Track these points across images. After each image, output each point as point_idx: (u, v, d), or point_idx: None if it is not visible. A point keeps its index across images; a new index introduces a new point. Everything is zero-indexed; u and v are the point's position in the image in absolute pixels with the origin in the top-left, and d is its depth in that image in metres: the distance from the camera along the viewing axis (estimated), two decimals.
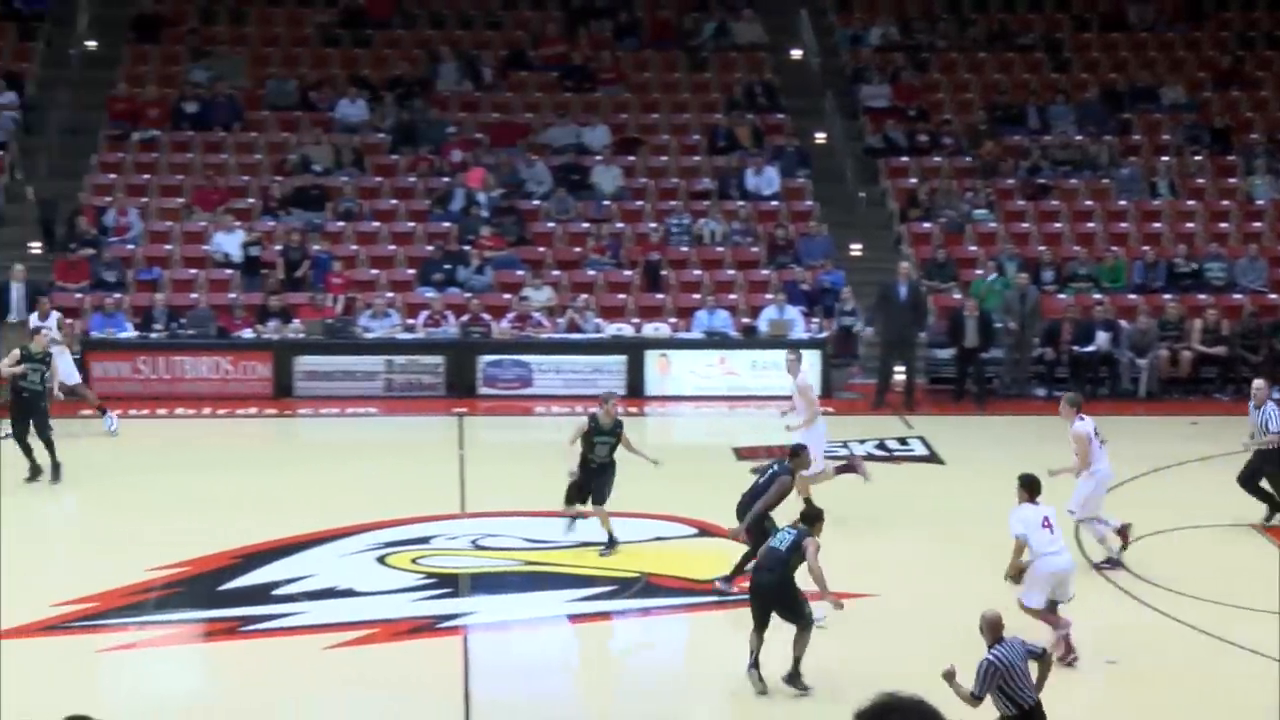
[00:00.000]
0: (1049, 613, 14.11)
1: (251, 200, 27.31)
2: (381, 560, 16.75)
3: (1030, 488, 14.27)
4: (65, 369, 21.40)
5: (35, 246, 26.32)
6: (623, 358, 24.46)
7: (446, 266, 26.06)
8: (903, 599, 15.74)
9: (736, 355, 24.67)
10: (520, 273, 26.16)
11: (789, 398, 18.84)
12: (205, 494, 19.04)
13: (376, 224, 27.16)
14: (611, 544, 16.77)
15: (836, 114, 29.88)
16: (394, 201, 27.68)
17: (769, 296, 25.71)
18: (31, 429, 19.18)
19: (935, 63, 31.22)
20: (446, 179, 27.80)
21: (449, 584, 16.23)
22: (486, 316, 25.06)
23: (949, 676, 11.01)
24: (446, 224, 27.04)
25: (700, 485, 18.00)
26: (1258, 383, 18.56)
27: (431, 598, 15.89)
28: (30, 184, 27.34)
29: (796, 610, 13.40)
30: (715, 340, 24.89)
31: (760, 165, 28.35)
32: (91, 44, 30.10)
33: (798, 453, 16.14)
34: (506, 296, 25.62)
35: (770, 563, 13.49)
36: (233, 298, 25.26)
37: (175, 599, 15.79)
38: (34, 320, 22.01)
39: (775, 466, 16.02)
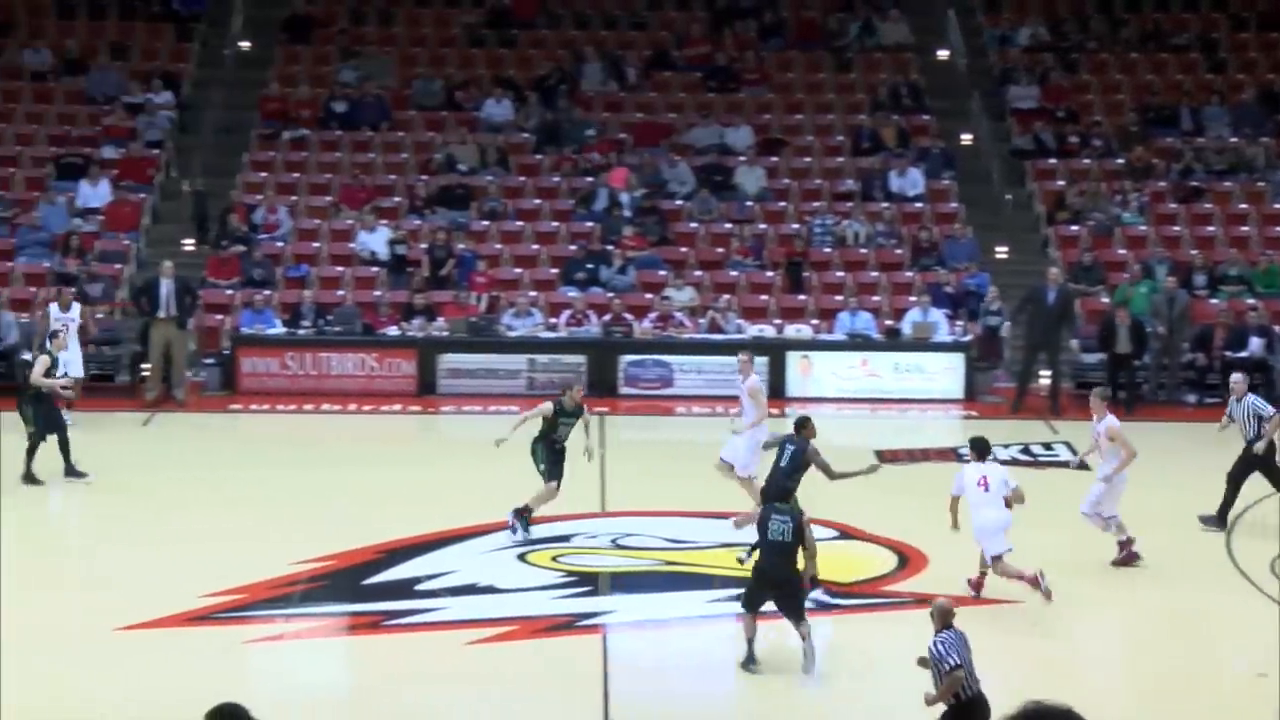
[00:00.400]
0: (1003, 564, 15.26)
1: (398, 199, 27.60)
2: (522, 558, 16.83)
3: (978, 448, 15.59)
4: (73, 359, 21.58)
5: (188, 243, 26.82)
6: (764, 359, 24.36)
7: (589, 266, 26.16)
8: (1043, 605, 15.50)
9: (879, 358, 24.49)
10: (662, 273, 26.19)
11: (736, 398, 18.59)
12: (350, 489, 19.27)
13: (520, 223, 27.33)
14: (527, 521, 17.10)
15: (983, 115, 29.56)
16: (538, 201, 27.83)
17: (912, 299, 25.50)
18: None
19: (1085, 63, 30.76)
20: (590, 179, 27.91)
21: (589, 582, 16.27)
22: (628, 316, 25.12)
23: (924, 663, 11.16)
24: (589, 224, 27.14)
25: (842, 488, 17.87)
26: (1236, 376, 18.64)
27: (571, 596, 15.94)
28: (185, 182, 27.86)
29: (798, 598, 13.92)
30: (858, 342, 24.73)
31: (905, 166, 28.13)
32: (245, 44, 30.61)
33: (804, 423, 16.59)
34: (648, 296, 25.66)
35: (776, 556, 13.82)
36: (378, 295, 25.55)
37: (320, 592, 15.98)
38: (55, 312, 22.44)
39: (791, 447, 16.38)
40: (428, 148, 28.50)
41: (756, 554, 14.07)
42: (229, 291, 25.45)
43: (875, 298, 25.97)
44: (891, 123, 29.10)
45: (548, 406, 17.41)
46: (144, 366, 23.62)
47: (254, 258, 25.78)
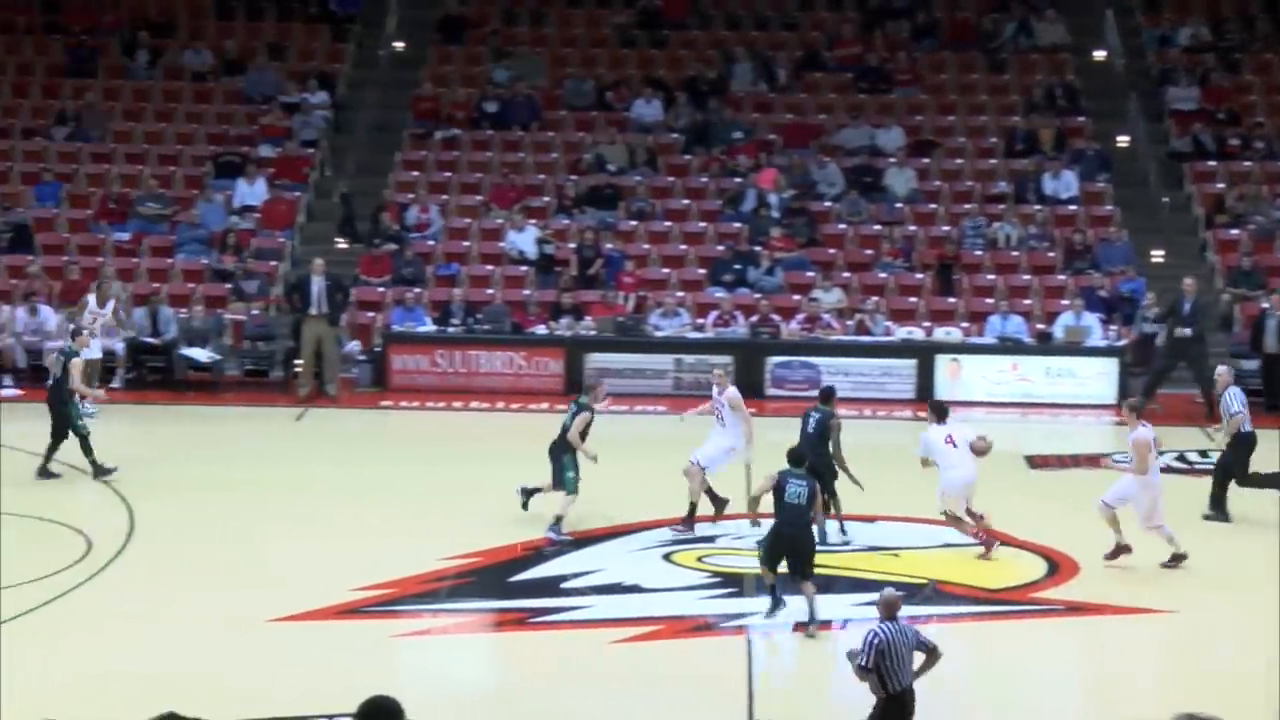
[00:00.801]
0: (964, 519, 16.40)
1: (547, 198, 27.76)
2: (668, 558, 16.82)
3: (937, 410, 16.83)
4: (93, 349, 21.93)
5: (341, 242, 27.18)
6: (912, 361, 24.18)
7: (737, 267, 26.11)
8: (1200, 613, 15.18)
9: (1030, 362, 24.17)
10: (810, 274, 26.06)
11: (711, 409, 18.45)
12: (497, 486, 19.37)
13: (668, 223, 27.35)
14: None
15: (1140, 117, 29.05)
16: (686, 201, 27.83)
17: (1065, 303, 25.12)
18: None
19: (1248, 64, 30.11)
20: (738, 179, 27.85)
21: (734, 584, 16.22)
22: (775, 317, 25.03)
23: (852, 655, 11.29)
24: (737, 224, 27.09)
25: (991, 493, 17.63)
26: (1220, 368, 19.09)
27: (716, 597, 15.90)
28: (339, 181, 28.24)
29: (810, 562, 14.90)
30: (1008, 346, 24.41)
31: (1058, 168, 27.72)
32: (399, 45, 30.96)
33: (830, 394, 17.69)
34: (796, 298, 25.55)
35: (794, 518, 14.77)
36: (527, 294, 25.71)
37: (467, 588, 16.10)
38: (91, 304, 23.01)
39: (816, 415, 17.31)
40: (577, 148, 28.62)
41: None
42: (381, 289, 25.75)
43: (1027, 301, 25.63)
44: (1049, 124, 28.69)
45: (587, 416, 17.46)
46: (296, 362, 23.98)
47: (405, 256, 26.05)
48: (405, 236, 26.59)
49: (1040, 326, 24.92)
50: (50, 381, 19.51)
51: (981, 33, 30.94)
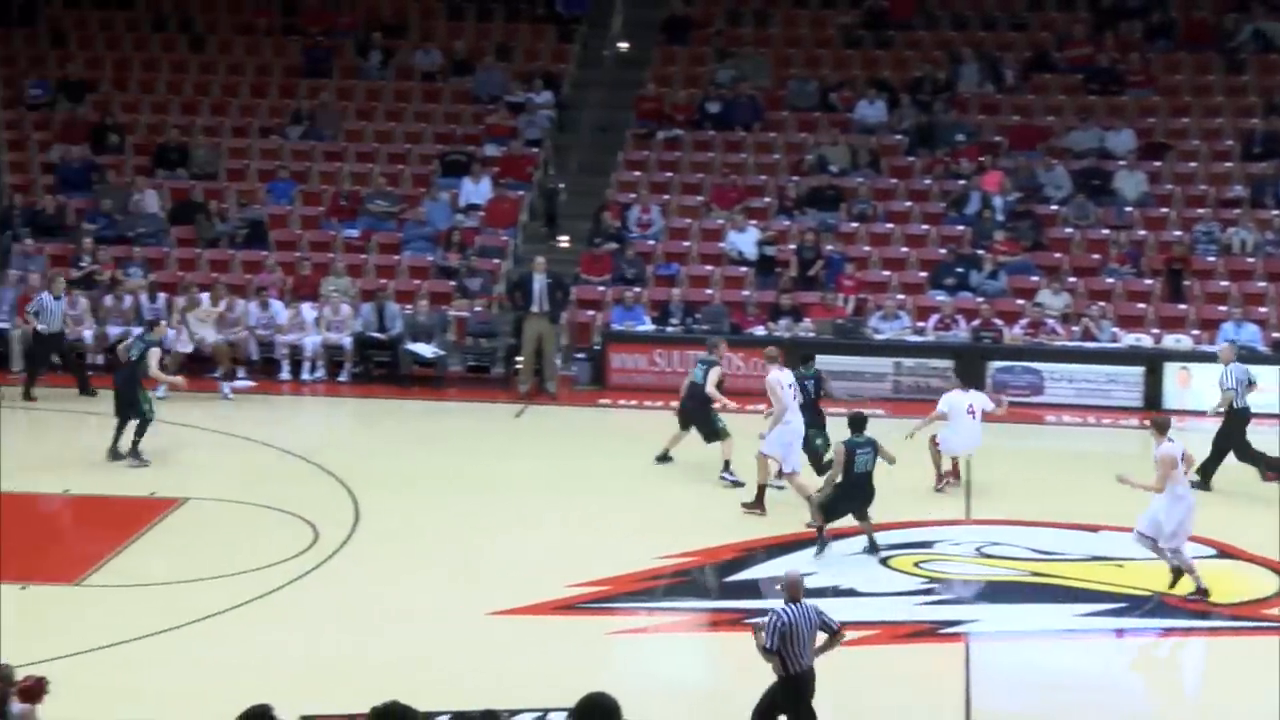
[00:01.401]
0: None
1: (768, 199, 27.69)
2: (884, 562, 16.66)
3: (961, 375, 19.84)
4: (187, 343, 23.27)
5: (563, 240, 27.44)
6: (1140, 369, 23.60)
7: (959, 270, 25.76)
8: None
9: (1265, 371, 23.39)
10: (1034, 278, 25.60)
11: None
12: (715, 486, 19.38)
13: (890, 225, 27.10)
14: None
15: None
16: (908, 203, 27.55)
17: None
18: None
19: None
20: (962, 181, 27.49)
21: (952, 590, 16.00)
22: (998, 322, 24.64)
23: (757, 629, 11.44)
24: (960, 227, 26.73)
25: (1222, 505, 17.18)
26: (1223, 344, 20.53)
27: (934, 603, 15.70)
28: (562, 180, 28.53)
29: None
30: (1242, 355, 23.66)
31: None
32: (624, 46, 31.15)
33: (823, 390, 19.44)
34: (1020, 302, 25.12)
35: (862, 482, 16.65)
36: (746, 295, 25.68)
37: (683, 588, 16.13)
38: (205, 301, 23.93)
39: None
40: (799, 148, 28.51)
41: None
42: (601, 288, 25.94)
43: (1262, 309, 24.86)
44: None
45: (719, 371, 19.63)
46: (517, 360, 24.28)
47: (626, 255, 26.21)
48: (626, 236, 26.74)
49: (1276, 335, 24.15)
50: (123, 365, 20.12)
51: (1219, 33, 30.09)
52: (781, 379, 18.32)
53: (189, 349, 23.80)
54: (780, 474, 18.33)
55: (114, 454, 19.70)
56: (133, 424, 19.67)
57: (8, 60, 30.28)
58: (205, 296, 24.28)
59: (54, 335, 23.45)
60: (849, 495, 16.60)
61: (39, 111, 29.27)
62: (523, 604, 15.29)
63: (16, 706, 10.40)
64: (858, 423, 16.77)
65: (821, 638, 11.53)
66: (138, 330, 24.41)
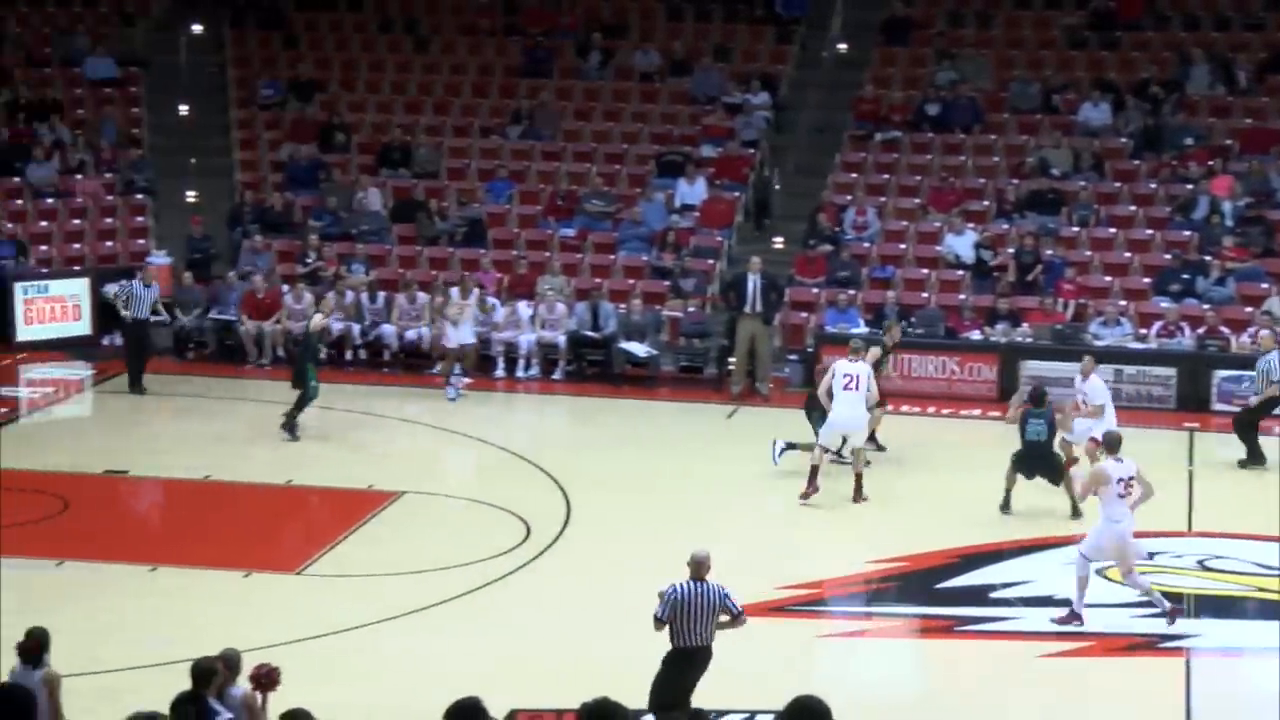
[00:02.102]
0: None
1: (986, 202, 27.29)
2: (1101, 572, 16.28)
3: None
4: (463, 333, 23.53)
5: (778, 241, 27.35)
6: None
7: (1185, 276, 25.11)
8: None
9: None
10: (1265, 285, 24.84)
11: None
12: (928, 490, 19.18)
13: (1112, 230, 26.51)
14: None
15: None
16: (1132, 208, 26.93)
17: None
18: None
19: None
20: (1190, 185, 26.78)
21: (1173, 603, 15.58)
22: (1225, 330, 23.96)
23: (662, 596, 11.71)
24: (1187, 232, 26.04)
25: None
26: (1264, 331, 21.03)
27: (1153, 615, 15.30)
28: (777, 182, 28.45)
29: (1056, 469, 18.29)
30: None
31: None
32: (842, 46, 30.96)
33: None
34: (1248, 310, 24.39)
35: (1035, 450, 18.09)
36: (962, 299, 25.34)
37: (893, 593, 15.97)
38: (455, 295, 23.86)
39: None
40: (1020, 151, 28.05)
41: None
42: (815, 290, 25.80)
43: None
44: None
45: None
46: (730, 360, 24.27)
47: (841, 257, 26.04)
48: (841, 238, 26.57)
49: None
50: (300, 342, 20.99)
51: None
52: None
53: (467, 342, 23.87)
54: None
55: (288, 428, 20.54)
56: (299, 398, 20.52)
57: (242, 61, 31.14)
58: (455, 291, 24.40)
59: (140, 323, 23.25)
60: (1024, 460, 18.16)
61: (270, 111, 30.05)
62: None
63: (237, 690, 10.65)
64: (1038, 397, 18.33)
65: (725, 619, 11.84)
66: (357, 326, 24.98)
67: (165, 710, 10.16)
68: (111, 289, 24.09)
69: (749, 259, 24.70)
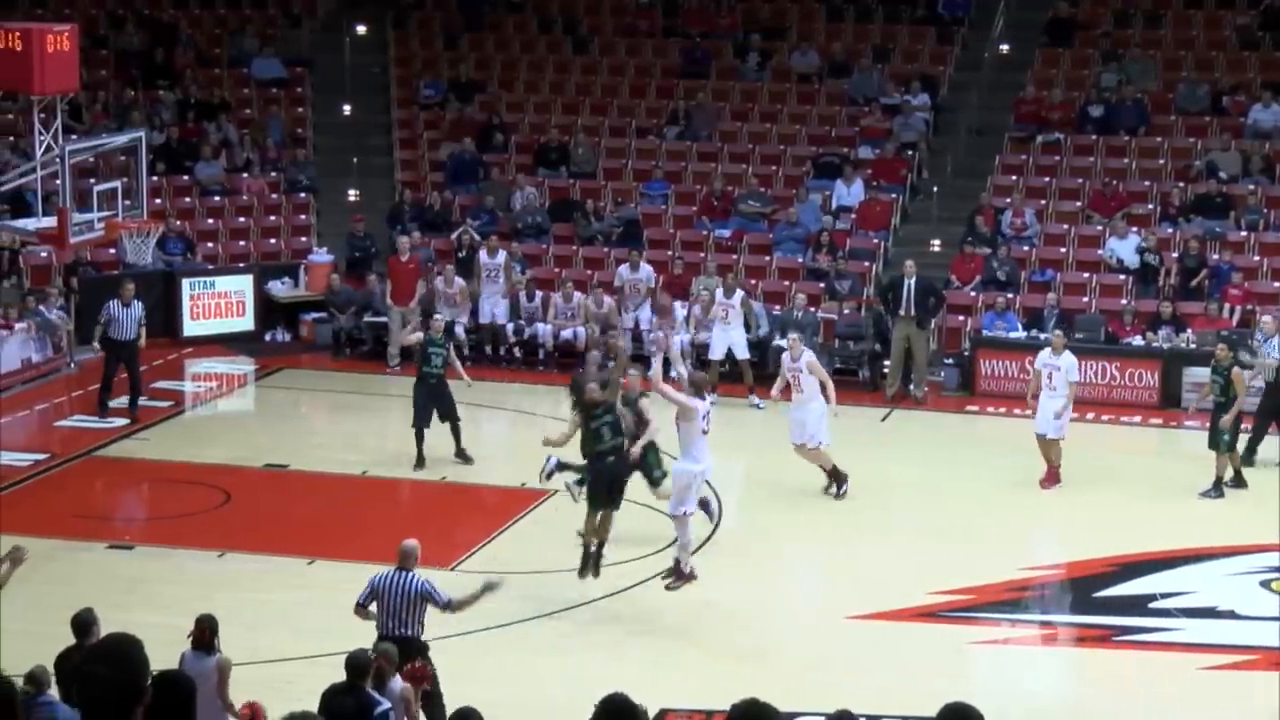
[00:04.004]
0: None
1: (1151, 206, 26.79)
2: (1267, 585, 15.92)
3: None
4: (736, 341, 23.11)
5: (935, 243, 27.09)
6: None
7: None
8: None
9: None
10: None
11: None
12: (1083, 498, 18.87)
13: None
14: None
15: None
16: None
17: None
18: (435, 415, 19.41)
19: None
20: None
21: None
22: None
23: None
24: None
25: None
26: (1266, 317, 20.77)
27: None
28: (936, 184, 28.18)
29: None
30: None
31: None
32: (1005, 47, 30.58)
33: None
34: None
35: None
36: (1124, 304, 24.89)
37: (1048, 600, 15.75)
38: (719, 295, 23.49)
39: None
40: (1186, 154, 27.49)
41: None
42: (972, 293, 25.51)
43: None
44: None
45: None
46: (885, 364, 24.07)
47: (999, 260, 25.71)
48: (1000, 240, 26.24)
49: None
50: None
51: None
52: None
53: (744, 355, 23.71)
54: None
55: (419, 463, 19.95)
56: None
57: (404, 61, 31.54)
58: (720, 291, 24.28)
59: (125, 344, 21.58)
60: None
61: (430, 111, 30.39)
62: (883, 609, 15.15)
63: (396, 684, 10.81)
64: None
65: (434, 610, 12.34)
66: (512, 325, 25.12)
67: (316, 700, 10.31)
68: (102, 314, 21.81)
69: (905, 262, 24.48)
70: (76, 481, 19.13)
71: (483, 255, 25.46)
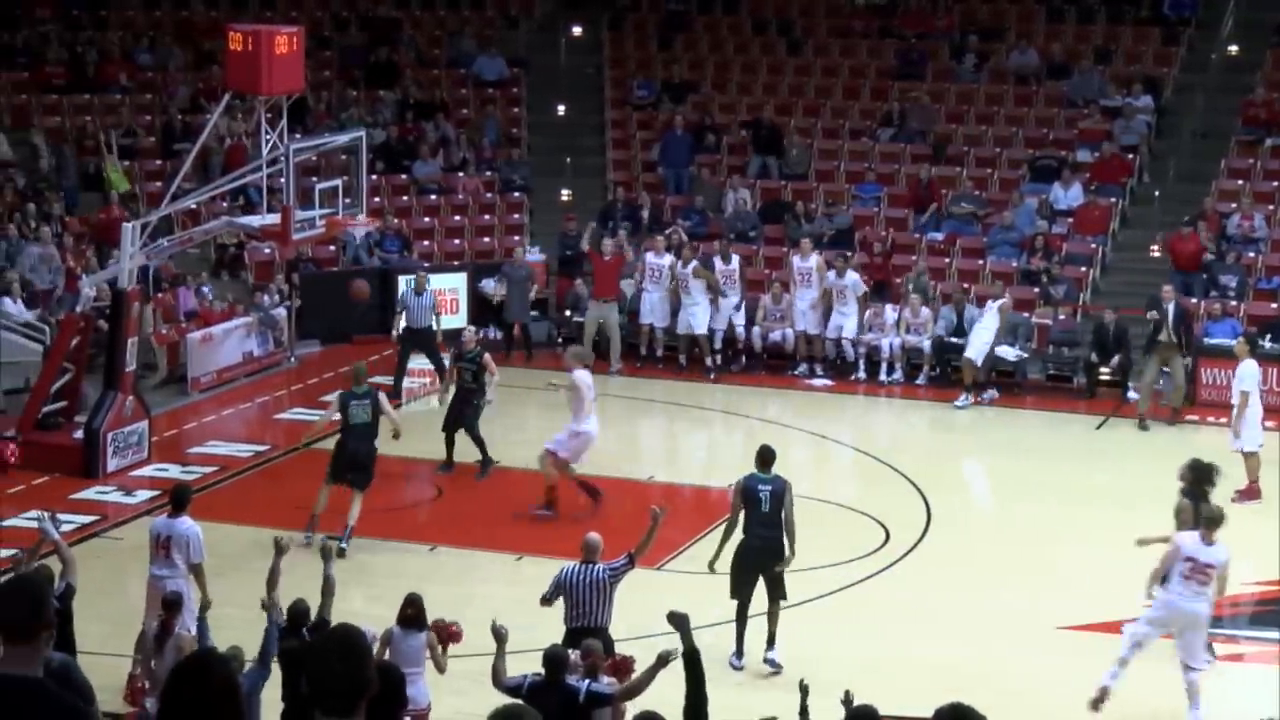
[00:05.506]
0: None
1: None
2: None
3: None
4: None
5: (1154, 250, 26.44)
6: None
7: None
8: None
9: None
10: None
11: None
12: None
13: None
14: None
15: None
16: None
17: None
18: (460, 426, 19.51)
19: None
20: None
21: None
22: None
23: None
24: None
25: None
26: None
27: None
28: (1157, 189, 27.54)
29: None
30: None
31: None
32: (1233, 49, 29.78)
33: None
34: None
35: None
36: None
37: (1266, 615, 15.30)
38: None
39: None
40: None
41: None
42: (1193, 300, 24.84)
43: None
44: None
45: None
46: (1100, 371, 23.56)
47: (1224, 266, 25.01)
48: (1225, 246, 25.52)
49: None
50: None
51: None
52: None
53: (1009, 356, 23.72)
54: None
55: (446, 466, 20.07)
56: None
57: (618, 62, 31.75)
58: (992, 302, 24.10)
59: (420, 331, 22.64)
60: None
61: (643, 111, 30.54)
62: (1096, 619, 14.86)
63: (606, 680, 10.95)
64: None
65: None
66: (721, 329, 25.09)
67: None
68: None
69: (1163, 287, 23.50)
70: (294, 473, 19.58)
71: (649, 256, 25.39)
